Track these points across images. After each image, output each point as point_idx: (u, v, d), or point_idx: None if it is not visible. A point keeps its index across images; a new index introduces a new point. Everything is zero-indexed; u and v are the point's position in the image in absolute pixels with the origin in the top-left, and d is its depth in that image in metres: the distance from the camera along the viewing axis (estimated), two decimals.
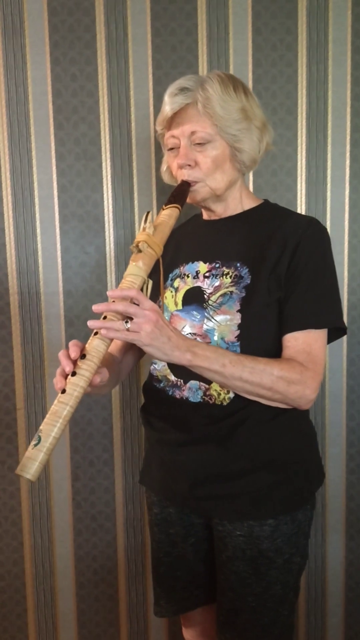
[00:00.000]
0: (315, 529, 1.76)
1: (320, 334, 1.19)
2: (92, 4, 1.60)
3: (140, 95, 1.63)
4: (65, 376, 1.05)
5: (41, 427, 1.01)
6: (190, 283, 1.26)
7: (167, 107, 1.21)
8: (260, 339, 1.19)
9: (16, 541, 1.78)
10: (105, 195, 1.66)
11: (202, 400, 1.22)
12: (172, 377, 1.26)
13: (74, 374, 1.03)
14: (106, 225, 1.67)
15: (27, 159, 1.64)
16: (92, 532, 1.78)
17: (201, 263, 1.27)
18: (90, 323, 1.03)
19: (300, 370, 1.14)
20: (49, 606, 1.80)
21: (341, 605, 1.81)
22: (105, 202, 1.66)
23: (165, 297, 1.29)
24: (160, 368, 1.29)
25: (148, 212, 1.13)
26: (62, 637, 1.81)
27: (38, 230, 1.67)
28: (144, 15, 1.60)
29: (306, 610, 1.80)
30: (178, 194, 1.21)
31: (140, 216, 1.66)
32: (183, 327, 1.23)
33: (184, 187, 1.22)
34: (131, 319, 1.03)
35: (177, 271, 1.30)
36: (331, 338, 1.23)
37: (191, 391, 1.23)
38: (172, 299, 1.28)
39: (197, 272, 1.26)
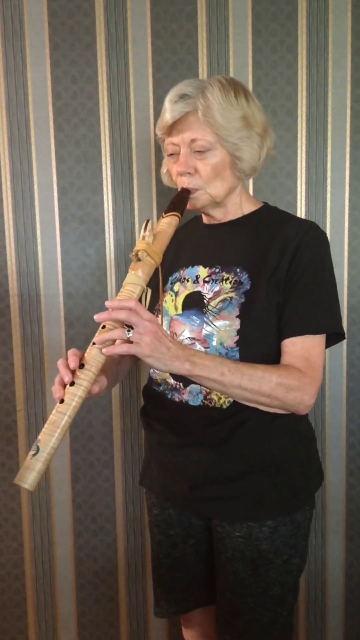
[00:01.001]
0: (315, 531, 1.76)
1: (319, 339, 1.19)
2: (92, 6, 1.60)
3: (140, 97, 1.63)
4: (64, 386, 1.05)
5: (39, 437, 1.02)
6: (190, 287, 1.26)
7: (167, 115, 1.20)
8: (259, 344, 1.19)
9: (16, 543, 1.78)
10: (105, 198, 1.66)
11: (202, 404, 1.22)
12: (172, 381, 1.26)
13: (72, 383, 1.04)
14: (106, 227, 1.67)
15: (27, 161, 1.64)
16: (92, 534, 1.78)
17: (201, 267, 1.27)
18: (96, 339, 1.04)
19: (299, 376, 1.14)
20: (49, 608, 1.80)
21: (341, 607, 1.81)
22: (105, 204, 1.66)
23: (165, 301, 1.29)
24: (159, 371, 1.29)
25: (148, 221, 1.13)
26: (62, 638, 1.82)
27: (38, 232, 1.67)
28: (144, 17, 1.60)
29: (306, 611, 1.81)
30: (178, 201, 1.21)
31: (140, 218, 1.66)
32: (182, 332, 1.24)
33: (184, 195, 1.22)
34: (131, 328, 1.03)
35: (177, 275, 1.30)
36: (329, 343, 1.23)
37: (191, 395, 1.23)
38: (172, 303, 1.28)
39: (197, 277, 1.26)
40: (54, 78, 1.62)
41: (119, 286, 1.69)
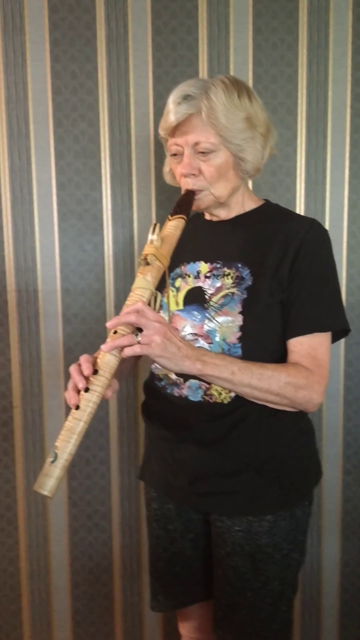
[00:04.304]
0: (311, 530, 1.75)
1: (325, 337, 1.20)
2: (92, 1, 1.59)
3: (140, 94, 1.62)
4: (78, 392, 1.06)
5: (56, 444, 1.04)
6: (191, 283, 1.27)
7: (172, 116, 1.19)
8: (262, 340, 1.20)
9: (11, 539, 1.77)
10: (104, 194, 1.66)
11: (202, 400, 1.22)
12: (173, 376, 1.26)
13: (86, 389, 1.05)
14: (104, 223, 1.67)
15: (26, 156, 1.64)
16: (87, 531, 1.78)
17: (202, 263, 1.27)
18: (104, 347, 1.06)
19: (307, 375, 1.16)
20: (44, 605, 1.80)
21: (336, 606, 1.81)
22: (104, 200, 1.66)
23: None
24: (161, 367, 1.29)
25: (155, 224, 1.14)
26: (57, 635, 1.81)
27: (36, 228, 1.66)
28: (144, 13, 1.60)
29: (301, 611, 1.80)
30: (183, 203, 1.22)
31: (139, 215, 1.66)
32: (184, 327, 1.24)
33: (189, 197, 1.23)
34: (140, 331, 1.04)
35: (178, 270, 1.31)
36: (333, 339, 1.24)
37: (191, 390, 1.23)
38: (173, 298, 1.28)
39: (198, 272, 1.27)
40: (54, 73, 1.61)
41: (117, 283, 1.68)
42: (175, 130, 1.22)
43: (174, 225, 1.19)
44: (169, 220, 1.20)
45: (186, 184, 1.23)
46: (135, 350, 1.04)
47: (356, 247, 1.67)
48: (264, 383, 1.13)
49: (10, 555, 1.78)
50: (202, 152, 1.19)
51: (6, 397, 1.71)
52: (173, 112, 1.19)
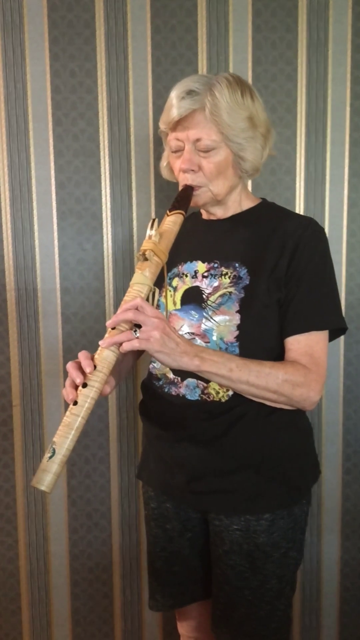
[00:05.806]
0: (310, 529, 1.76)
1: (322, 336, 1.20)
2: (92, 0, 1.59)
3: (139, 92, 1.62)
4: (76, 387, 1.07)
5: (54, 439, 1.04)
6: (189, 282, 1.26)
7: (174, 111, 1.19)
8: (259, 339, 1.19)
9: (11, 539, 1.77)
10: (103, 192, 1.65)
11: (199, 399, 1.22)
12: (171, 375, 1.26)
13: (84, 385, 1.06)
14: (104, 222, 1.66)
15: (25, 155, 1.64)
16: (87, 530, 1.78)
17: (200, 262, 1.27)
18: (102, 343, 1.06)
19: (304, 373, 1.16)
20: (43, 604, 1.80)
21: (336, 606, 1.81)
22: (104, 199, 1.66)
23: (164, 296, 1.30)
24: (159, 366, 1.29)
25: (154, 220, 1.14)
26: (56, 634, 1.81)
27: (35, 227, 1.66)
28: (143, 12, 1.60)
29: (301, 610, 1.80)
30: (182, 199, 1.21)
31: (139, 213, 1.66)
32: (181, 327, 1.24)
33: (188, 192, 1.22)
34: (139, 327, 1.05)
35: (175, 270, 1.30)
36: (330, 337, 1.24)
37: (188, 389, 1.23)
38: (170, 298, 1.28)
39: (196, 272, 1.26)
40: (53, 72, 1.61)
41: (116, 282, 1.68)
42: (177, 124, 1.21)
43: (173, 221, 1.18)
44: (167, 215, 1.20)
45: (185, 179, 1.22)
46: (134, 345, 1.04)
47: (356, 245, 1.67)
48: (261, 380, 1.13)
49: (9, 554, 1.78)
50: (203, 149, 1.19)
51: (5, 395, 1.71)
52: (176, 106, 1.18)
